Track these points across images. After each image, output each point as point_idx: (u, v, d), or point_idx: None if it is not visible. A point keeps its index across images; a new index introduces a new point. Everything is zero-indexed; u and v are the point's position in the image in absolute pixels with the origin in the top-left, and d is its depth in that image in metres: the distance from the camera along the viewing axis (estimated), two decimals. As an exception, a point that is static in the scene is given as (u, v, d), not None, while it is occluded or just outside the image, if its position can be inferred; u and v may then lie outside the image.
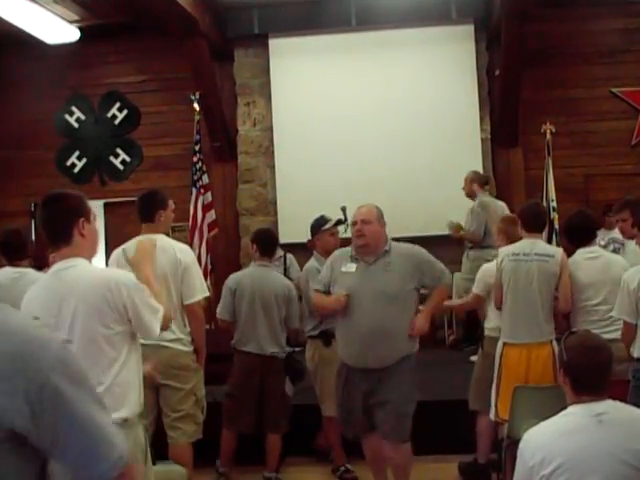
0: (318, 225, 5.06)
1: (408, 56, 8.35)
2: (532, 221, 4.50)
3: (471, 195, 6.98)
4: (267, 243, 5.09)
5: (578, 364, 2.46)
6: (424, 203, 7.92)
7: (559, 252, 4.47)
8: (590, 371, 2.44)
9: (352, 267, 4.00)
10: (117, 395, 2.61)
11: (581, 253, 4.49)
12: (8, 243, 4.49)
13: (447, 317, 7.61)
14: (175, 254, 4.01)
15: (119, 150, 8.92)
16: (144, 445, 2.71)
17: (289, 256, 6.89)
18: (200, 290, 4.08)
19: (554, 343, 4.31)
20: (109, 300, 2.63)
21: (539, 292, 4.35)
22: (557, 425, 2.45)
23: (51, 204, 2.74)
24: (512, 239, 4.59)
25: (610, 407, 2.43)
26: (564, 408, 2.51)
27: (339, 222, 5.23)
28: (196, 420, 4.10)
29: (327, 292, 4.11)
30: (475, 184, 6.93)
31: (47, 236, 2.75)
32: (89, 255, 2.79)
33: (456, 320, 7.37)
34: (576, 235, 4.54)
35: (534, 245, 4.43)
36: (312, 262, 5.03)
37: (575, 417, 2.43)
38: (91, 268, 2.78)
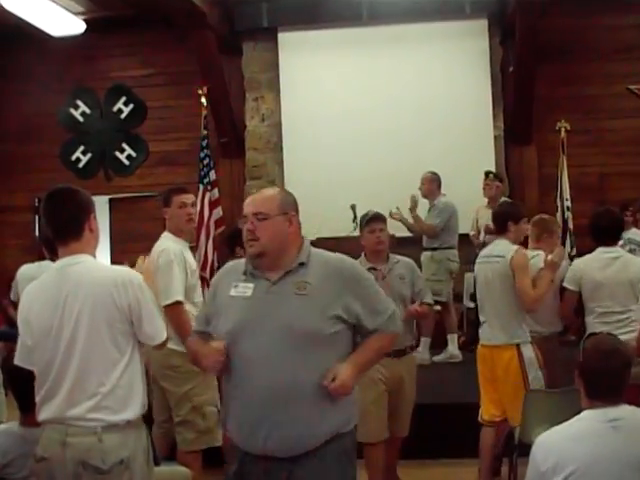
0: (360, 222, 4.51)
1: (420, 51, 8.29)
2: (496, 222, 4.54)
3: (428, 195, 6.95)
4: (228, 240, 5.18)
5: (591, 368, 2.45)
6: (435, 201, 7.83)
7: (511, 252, 4.31)
8: (603, 376, 2.42)
9: (247, 289, 2.56)
10: (120, 397, 2.57)
11: (600, 252, 4.42)
12: (48, 238, 4.41)
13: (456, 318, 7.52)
14: (154, 255, 3.95)
15: (125, 145, 8.90)
16: (147, 446, 2.68)
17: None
18: (163, 295, 3.81)
19: (523, 347, 4.23)
20: (115, 298, 2.58)
21: (493, 294, 4.32)
22: (570, 430, 2.42)
23: (61, 199, 2.70)
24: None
25: (626, 413, 2.40)
26: (577, 413, 2.47)
27: (377, 216, 4.34)
28: (196, 428, 3.95)
29: (207, 333, 2.67)
30: (435, 184, 6.94)
31: (56, 231, 2.70)
32: (93, 250, 2.75)
33: (466, 321, 7.30)
34: (601, 234, 4.47)
35: (495, 246, 4.45)
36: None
37: (589, 422, 2.40)
38: (98, 264, 2.74)
